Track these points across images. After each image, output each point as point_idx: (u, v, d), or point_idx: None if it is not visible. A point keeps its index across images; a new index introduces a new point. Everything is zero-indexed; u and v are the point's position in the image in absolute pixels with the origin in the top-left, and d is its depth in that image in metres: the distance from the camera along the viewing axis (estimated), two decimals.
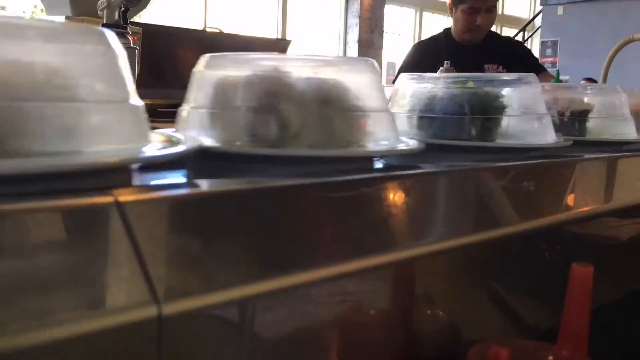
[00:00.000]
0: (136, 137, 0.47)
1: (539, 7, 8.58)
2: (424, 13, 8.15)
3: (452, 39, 2.69)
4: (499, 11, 8.79)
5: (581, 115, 1.06)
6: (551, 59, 7.38)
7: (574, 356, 0.55)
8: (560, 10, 7.38)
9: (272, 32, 6.51)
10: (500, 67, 2.68)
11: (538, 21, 8.64)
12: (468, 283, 0.66)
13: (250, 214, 0.46)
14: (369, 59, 0.68)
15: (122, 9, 1.32)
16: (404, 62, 2.67)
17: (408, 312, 0.59)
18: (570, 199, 0.84)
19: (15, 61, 0.39)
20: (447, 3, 2.65)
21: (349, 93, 0.61)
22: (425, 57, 2.58)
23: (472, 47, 2.66)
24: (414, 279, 0.59)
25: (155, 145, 0.48)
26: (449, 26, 2.75)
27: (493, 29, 2.81)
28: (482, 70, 2.63)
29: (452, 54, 2.58)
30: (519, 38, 8.95)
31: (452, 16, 2.63)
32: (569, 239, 0.80)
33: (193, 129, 0.61)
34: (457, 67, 2.45)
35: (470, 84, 0.84)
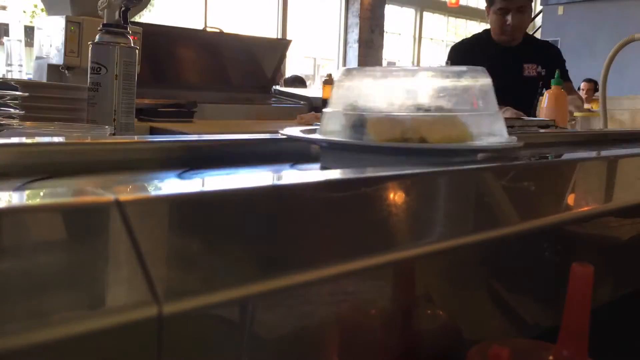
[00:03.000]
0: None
1: (539, 7, 8.57)
2: (424, 13, 8.14)
3: (491, 39, 2.71)
4: None
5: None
6: None
7: (574, 356, 0.55)
8: (560, 10, 7.37)
9: (272, 32, 6.51)
10: (539, 67, 2.71)
11: (538, 21, 8.62)
12: (468, 283, 0.66)
13: (250, 214, 0.46)
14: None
15: (122, 9, 1.32)
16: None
17: (408, 312, 0.59)
18: (570, 199, 0.84)
19: None
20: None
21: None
22: (465, 58, 2.59)
23: (511, 48, 2.69)
24: (414, 278, 0.59)
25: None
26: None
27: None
28: (522, 70, 2.66)
29: (491, 54, 2.61)
30: None
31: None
32: (569, 238, 0.80)
33: None
34: (498, 67, 2.49)
35: None
